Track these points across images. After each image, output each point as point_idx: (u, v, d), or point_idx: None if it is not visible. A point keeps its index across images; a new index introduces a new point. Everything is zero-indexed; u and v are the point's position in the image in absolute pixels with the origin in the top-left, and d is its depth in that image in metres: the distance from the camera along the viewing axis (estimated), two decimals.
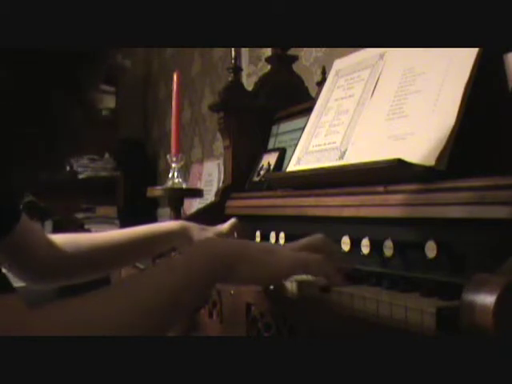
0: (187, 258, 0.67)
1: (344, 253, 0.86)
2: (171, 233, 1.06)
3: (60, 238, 0.96)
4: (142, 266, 1.25)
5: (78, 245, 0.97)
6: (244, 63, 2.37)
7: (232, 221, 1.12)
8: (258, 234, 1.13)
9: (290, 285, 0.75)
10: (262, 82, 1.44)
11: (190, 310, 0.71)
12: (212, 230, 1.09)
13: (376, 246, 0.80)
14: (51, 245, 0.95)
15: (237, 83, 1.41)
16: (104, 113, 3.61)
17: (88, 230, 3.28)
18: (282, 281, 0.75)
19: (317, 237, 0.80)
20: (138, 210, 3.16)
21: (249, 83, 1.99)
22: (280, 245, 1.01)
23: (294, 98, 1.36)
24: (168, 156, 1.38)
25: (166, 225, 1.08)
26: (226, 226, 1.11)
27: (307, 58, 2.00)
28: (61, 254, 0.95)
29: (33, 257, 0.91)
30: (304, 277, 0.75)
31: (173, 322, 0.65)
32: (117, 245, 1.01)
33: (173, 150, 1.37)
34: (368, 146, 0.91)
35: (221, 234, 1.09)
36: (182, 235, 1.06)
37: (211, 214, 1.28)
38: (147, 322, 0.59)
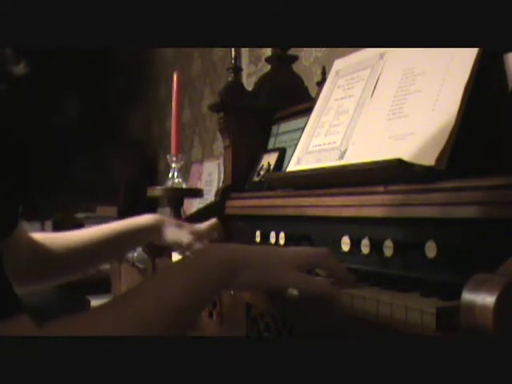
0: (197, 262, 0.66)
1: (344, 253, 0.86)
2: (146, 227, 1.04)
3: (40, 237, 0.95)
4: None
5: (55, 244, 0.96)
6: (244, 63, 2.37)
7: (212, 221, 1.11)
8: (257, 233, 1.13)
9: None
10: (262, 82, 1.44)
11: (198, 314, 0.71)
12: (189, 227, 1.07)
13: (376, 246, 0.80)
14: (31, 245, 0.93)
15: (237, 83, 1.41)
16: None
17: None
18: (287, 284, 0.69)
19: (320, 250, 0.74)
20: (138, 210, 3.15)
21: (249, 83, 1.99)
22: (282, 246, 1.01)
23: (294, 98, 1.36)
24: (168, 156, 1.38)
25: (141, 219, 1.06)
26: (204, 225, 1.10)
27: (307, 57, 2.00)
28: (40, 253, 0.93)
29: (16, 260, 0.87)
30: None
31: (184, 327, 0.66)
32: (91, 242, 1.00)
33: (173, 149, 1.37)
34: (368, 146, 0.91)
35: (197, 233, 1.06)
36: (156, 229, 1.05)
37: (211, 214, 1.28)
38: (166, 325, 0.60)
